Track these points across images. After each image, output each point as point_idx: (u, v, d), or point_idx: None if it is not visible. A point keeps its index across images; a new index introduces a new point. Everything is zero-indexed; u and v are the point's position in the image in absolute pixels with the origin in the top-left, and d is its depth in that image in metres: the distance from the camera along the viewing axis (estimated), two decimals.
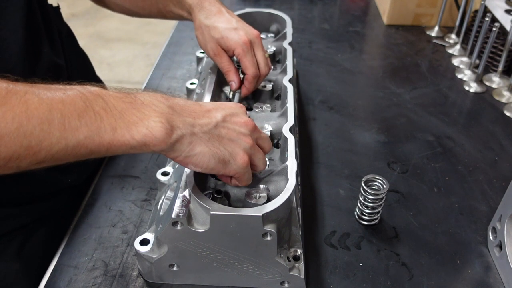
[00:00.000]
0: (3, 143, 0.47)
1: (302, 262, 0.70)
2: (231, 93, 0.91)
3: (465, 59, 1.34)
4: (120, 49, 3.57)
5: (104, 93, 0.55)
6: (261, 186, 0.73)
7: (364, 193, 0.80)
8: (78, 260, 0.76)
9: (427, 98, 1.20)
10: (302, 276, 0.69)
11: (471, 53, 1.33)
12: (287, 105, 0.84)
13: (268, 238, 0.64)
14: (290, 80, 0.91)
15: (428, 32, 1.50)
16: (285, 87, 0.89)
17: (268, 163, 0.78)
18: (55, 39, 0.86)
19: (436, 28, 1.49)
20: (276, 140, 0.84)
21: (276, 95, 0.97)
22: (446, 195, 0.91)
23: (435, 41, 1.46)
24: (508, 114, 1.14)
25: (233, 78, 0.88)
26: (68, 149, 0.51)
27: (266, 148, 0.70)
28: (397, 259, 0.79)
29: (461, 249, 0.81)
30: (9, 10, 0.74)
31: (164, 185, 0.80)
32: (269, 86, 0.96)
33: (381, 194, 0.79)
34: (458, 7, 1.43)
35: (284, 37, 1.05)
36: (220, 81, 0.94)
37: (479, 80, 1.25)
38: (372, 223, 0.84)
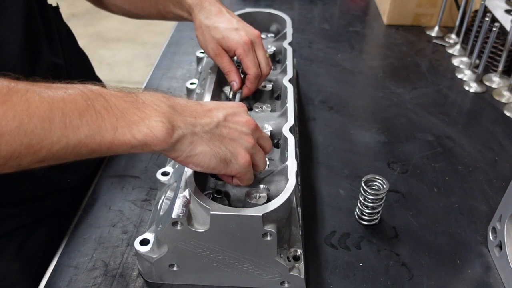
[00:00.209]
0: (4, 141, 0.47)
1: (302, 262, 0.70)
2: (231, 93, 0.91)
3: (465, 59, 1.34)
4: (120, 49, 3.57)
5: (105, 92, 0.55)
6: (261, 186, 0.73)
7: (364, 193, 0.80)
8: (78, 260, 0.76)
9: (427, 98, 1.20)
10: (302, 276, 0.69)
11: (471, 53, 1.33)
12: (287, 105, 0.84)
13: (268, 238, 0.64)
14: (290, 80, 0.91)
15: (428, 32, 1.50)
16: (285, 87, 0.89)
17: (268, 163, 0.78)
18: (55, 39, 0.86)
19: (436, 28, 1.49)
20: (276, 140, 0.84)
21: (276, 95, 0.97)
22: (446, 195, 0.91)
23: (435, 41, 1.46)
24: (508, 114, 1.14)
25: (234, 78, 0.88)
26: (69, 148, 0.51)
27: (267, 148, 0.70)
28: (397, 259, 0.79)
29: (461, 249, 0.81)
30: (8, 10, 0.74)
31: (164, 185, 0.80)
32: (269, 86, 0.96)
33: (381, 194, 0.79)
34: (458, 7, 1.43)
35: (284, 37, 1.05)
36: (220, 81, 0.94)
37: (479, 80, 1.25)
38: (372, 223, 0.84)
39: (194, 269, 0.70)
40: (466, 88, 1.24)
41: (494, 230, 0.79)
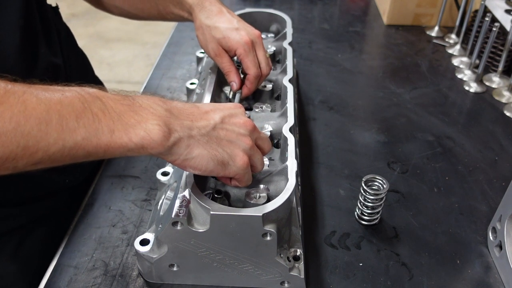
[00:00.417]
0: (0, 142, 0.47)
1: (302, 262, 0.70)
2: (231, 93, 0.91)
3: (465, 59, 1.34)
4: (120, 49, 3.57)
5: (102, 95, 0.55)
6: (261, 186, 0.73)
7: (364, 193, 0.80)
8: (78, 260, 0.76)
9: (427, 98, 1.20)
10: (302, 276, 0.69)
11: (471, 53, 1.33)
12: (287, 105, 0.84)
13: (268, 238, 0.64)
14: (290, 80, 0.91)
15: (428, 32, 1.50)
16: (285, 87, 0.89)
17: (268, 163, 0.78)
18: (54, 39, 0.86)
19: (436, 28, 1.49)
20: (276, 140, 0.84)
21: (276, 95, 0.97)
22: (446, 195, 0.91)
23: (435, 41, 1.46)
24: (508, 114, 1.14)
25: (234, 78, 0.88)
26: (65, 150, 0.51)
27: (266, 148, 0.70)
28: (397, 259, 0.79)
29: (461, 249, 0.81)
30: (7, 11, 0.74)
31: (164, 185, 0.80)
32: (269, 86, 0.96)
33: (381, 194, 0.79)
34: (458, 7, 1.43)
35: (284, 37, 1.05)
36: (220, 81, 0.94)
37: (479, 80, 1.25)
38: (372, 223, 0.84)
39: (194, 269, 0.70)
40: (466, 88, 1.24)
41: (494, 230, 0.79)
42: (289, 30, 1.06)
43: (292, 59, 0.99)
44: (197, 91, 0.99)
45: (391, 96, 1.20)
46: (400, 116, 1.13)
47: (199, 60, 1.09)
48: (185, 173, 0.68)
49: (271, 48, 1.05)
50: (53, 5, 0.92)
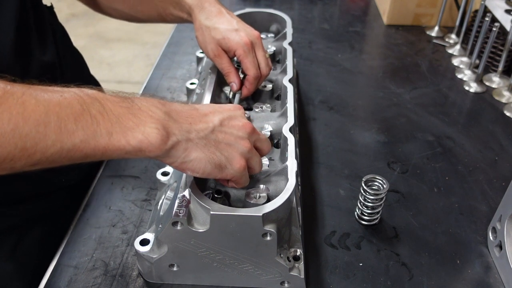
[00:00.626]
0: None
1: (302, 262, 0.70)
2: (231, 93, 0.91)
3: (465, 59, 1.34)
4: (120, 49, 3.57)
5: (101, 96, 0.55)
6: (261, 186, 0.73)
7: (364, 193, 0.80)
8: (78, 260, 0.76)
9: (427, 98, 1.20)
10: (302, 276, 0.69)
11: (471, 53, 1.33)
12: (287, 105, 0.84)
13: (268, 238, 0.64)
14: (290, 80, 0.91)
15: (428, 32, 1.50)
16: (285, 87, 0.89)
17: (268, 163, 0.78)
18: (49, 39, 0.86)
19: (436, 28, 1.49)
20: (276, 140, 0.84)
21: (276, 95, 0.97)
22: (446, 195, 0.91)
23: (435, 41, 1.46)
24: (508, 114, 1.14)
25: (233, 79, 0.88)
26: (63, 152, 0.51)
27: (265, 149, 0.70)
28: (397, 259, 0.79)
29: (461, 249, 0.81)
30: (2, 11, 0.74)
31: (164, 185, 0.80)
32: (269, 86, 0.96)
33: (381, 194, 0.79)
34: (458, 7, 1.43)
35: (284, 37, 1.05)
36: (220, 81, 0.94)
37: (479, 80, 1.25)
38: (372, 223, 0.84)
39: (194, 269, 0.70)
40: (466, 88, 1.24)
41: (494, 230, 0.79)
42: (289, 30, 1.06)
43: (292, 59, 0.99)
44: (197, 91, 0.99)
45: (391, 96, 1.20)
46: (400, 116, 1.13)
47: (199, 60, 1.09)
48: (185, 173, 0.68)
49: (271, 48, 1.05)
50: (48, 4, 0.92)
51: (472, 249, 0.81)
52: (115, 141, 0.53)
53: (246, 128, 0.65)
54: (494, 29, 1.15)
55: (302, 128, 1.07)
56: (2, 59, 0.74)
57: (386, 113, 1.14)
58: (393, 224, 0.85)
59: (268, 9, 1.14)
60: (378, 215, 0.83)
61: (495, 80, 1.25)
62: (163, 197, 0.75)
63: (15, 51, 0.76)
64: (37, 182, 0.85)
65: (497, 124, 1.11)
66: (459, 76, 1.29)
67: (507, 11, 1.26)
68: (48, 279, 0.74)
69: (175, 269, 0.70)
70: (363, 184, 0.80)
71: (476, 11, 1.33)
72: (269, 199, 0.68)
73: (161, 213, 0.72)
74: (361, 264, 0.77)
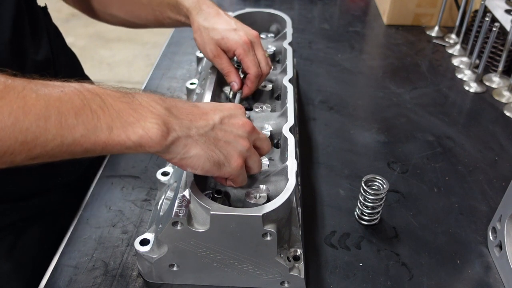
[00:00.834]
0: None
1: (302, 262, 0.70)
2: (231, 93, 0.91)
3: (465, 59, 1.34)
4: (120, 49, 3.57)
5: (101, 91, 0.55)
6: (261, 186, 0.73)
7: (364, 193, 0.80)
8: (78, 260, 0.76)
9: (427, 98, 1.20)
10: (302, 276, 0.69)
11: (471, 53, 1.33)
12: (287, 105, 0.84)
13: (268, 238, 0.64)
14: (290, 80, 0.91)
15: (428, 32, 1.50)
16: (285, 87, 0.89)
17: (268, 163, 0.78)
18: (43, 39, 0.86)
19: (436, 28, 1.49)
20: (276, 140, 0.84)
21: (276, 95, 0.97)
22: (446, 195, 0.91)
23: (435, 41, 1.46)
24: (508, 114, 1.14)
25: (234, 79, 0.88)
26: (64, 147, 0.51)
27: (265, 149, 0.70)
28: (397, 259, 0.79)
29: (461, 249, 0.81)
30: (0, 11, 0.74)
31: (164, 185, 0.80)
32: (269, 86, 0.96)
33: (381, 194, 0.79)
34: (458, 7, 1.44)
35: (284, 37, 1.05)
36: (220, 81, 0.94)
37: (479, 80, 1.25)
38: (372, 223, 0.84)
39: (194, 269, 0.70)
40: (466, 88, 1.24)
41: (494, 230, 0.79)
42: (289, 30, 1.06)
43: (292, 59, 0.99)
44: (197, 91, 0.99)
45: (391, 96, 1.20)
46: (400, 116, 1.13)
47: (199, 60, 1.09)
48: (185, 173, 0.68)
49: (271, 48, 1.05)
50: (42, 5, 0.92)
51: (472, 249, 0.81)
52: (115, 136, 0.53)
53: (245, 127, 0.65)
54: (494, 29, 1.15)
55: (302, 128, 1.07)
56: None
57: (386, 113, 1.14)
58: (393, 224, 0.85)
59: (268, 9, 1.14)
60: (378, 215, 0.83)
61: (495, 80, 1.25)
62: (163, 197, 0.75)
63: (11, 51, 0.76)
64: (34, 180, 0.85)
65: (497, 124, 1.11)
66: (459, 76, 1.29)
67: (507, 11, 1.26)
68: (48, 279, 0.74)
69: (175, 269, 0.70)
70: (363, 184, 0.80)
71: (476, 11, 1.33)
72: (269, 199, 0.68)
73: (161, 213, 0.72)
74: (361, 264, 0.77)
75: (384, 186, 0.79)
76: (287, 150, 0.74)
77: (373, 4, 1.69)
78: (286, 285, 0.71)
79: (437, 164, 0.99)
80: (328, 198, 0.90)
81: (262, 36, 1.11)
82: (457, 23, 1.44)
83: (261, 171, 0.72)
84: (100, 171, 0.94)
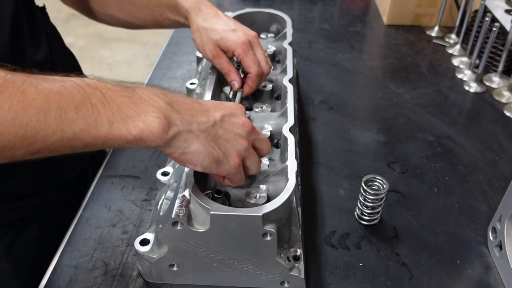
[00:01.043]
0: None
1: (302, 262, 0.70)
2: (231, 93, 0.91)
3: (465, 59, 1.34)
4: (120, 49, 3.57)
5: (102, 86, 0.55)
6: (261, 186, 0.73)
7: (364, 193, 0.80)
8: (78, 260, 0.76)
9: (427, 98, 1.20)
10: (302, 276, 0.69)
11: (471, 53, 1.33)
12: (287, 105, 0.84)
13: (268, 238, 0.64)
14: (290, 80, 0.91)
15: (428, 32, 1.50)
16: (285, 87, 0.89)
17: (268, 163, 0.78)
18: (42, 39, 0.86)
19: (436, 28, 1.49)
20: (276, 140, 0.84)
21: (276, 95, 0.97)
22: (446, 195, 0.91)
23: (435, 41, 1.46)
24: (508, 114, 1.14)
25: (234, 77, 0.88)
26: (64, 141, 0.51)
27: (265, 149, 0.70)
28: (397, 259, 0.79)
29: (461, 249, 0.81)
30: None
31: (164, 185, 0.80)
32: (269, 86, 0.96)
33: (381, 194, 0.79)
34: (458, 7, 1.44)
35: (284, 37, 1.05)
36: (220, 81, 0.94)
37: (479, 80, 1.25)
38: (372, 223, 0.84)
39: (194, 269, 0.70)
40: (466, 88, 1.24)
41: (494, 230, 0.79)
42: (289, 30, 1.06)
43: (292, 59, 0.99)
44: (197, 91, 0.99)
45: (391, 96, 1.20)
46: (400, 116, 1.13)
47: (199, 60, 1.09)
48: (185, 173, 0.68)
49: (271, 48, 1.05)
50: (41, 5, 0.92)
51: (472, 249, 0.81)
52: (116, 130, 0.53)
53: (245, 127, 0.65)
54: (494, 29, 1.15)
55: (302, 128, 1.07)
56: None
57: (386, 113, 1.14)
58: (393, 224, 0.85)
59: (268, 9, 1.14)
60: (378, 215, 0.83)
61: (495, 80, 1.25)
62: (163, 197, 0.75)
63: (10, 51, 0.76)
64: (33, 179, 0.85)
65: (497, 124, 1.11)
66: (459, 76, 1.29)
67: (507, 11, 1.26)
68: (48, 279, 0.74)
69: (175, 269, 0.70)
70: (363, 184, 0.80)
71: (476, 11, 1.33)
72: (269, 199, 0.68)
73: (161, 213, 0.72)
74: (361, 264, 0.77)
75: (384, 186, 0.79)
76: (287, 150, 0.74)
77: (373, 4, 1.69)
78: (286, 285, 0.71)
79: (437, 164, 0.99)
80: (328, 198, 0.90)
81: (262, 36, 1.11)
82: (457, 23, 1.44)
83: (260, 171, 0.72)
84: (100, 171, 0.94)
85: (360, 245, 0.81)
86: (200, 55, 1.08)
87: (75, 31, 3.63)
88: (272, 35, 1.13)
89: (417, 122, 1.11)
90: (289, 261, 0.68)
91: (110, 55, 3.49)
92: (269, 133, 0.83)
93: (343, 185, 0.93)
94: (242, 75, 0.90)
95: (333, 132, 1.07)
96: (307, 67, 1.31)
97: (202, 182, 0.72)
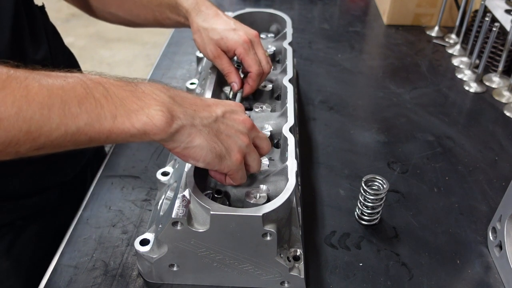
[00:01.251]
0: (3, 127, 0.47)
1: (302, 262, 0.70)
2: (232, 93, 0.91)
3: (465, 59, 1.34)
4: (120, 49, 3.57)
5: (104, 81, 0.55)
6: (261, 186, 0.73)
7: (364, 193, 0.80)
8: (78, 260, 0.76)
9: (427, 98, 1.20)
10: (302, 276, 0.69)
11: (471, 53, 1.33)
12: (287, 105, 0.84)
13: (268, 238, 0.64)
14: (290, 80, 0.91)
15: (428, 32, 1.50)
16: (285, 87, 0.89)
17: (268, 163, 0.78)
18: (41, 38, 0.86)
19: (436, 28, 1.49)
20: (276, 140, 0.84)
21: (276, 95, 0.97)
22: (446, 195, 0.91)
23: (435, 41, 1.46)
24: (508, 114, 1.14)
25: (234, 79, 0.88)
26: (68, 136, 0.51)
27: (265, 148, 0.70)
28: (397, 259, 0.79)
29: (461, 249, 0.81)
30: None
31: (164, 185, 0.80)
32: (269, 86, 0.96)
33: (381, 194, 0.79)
34: (458, 7, 1.44)
35: (284, 37, 1.05)
36: (220, 81, 0.94)
37: (479, 80, 1.25)
38: (372, 223, 0.84)
39: (194, 269, 0.70)
40: (466, 88, 1.24)
41: (494, 230, 0.79)
42: (289, 30, 1.06)
43: (292, 59, 0.99)
44: (197, 91, 0.99)
45: (391, 96, 1.20)
46: (400, 116, 1.13)
47: (199, 60, 1.09)
48: (185, 173, 0.68)
49: (271, 48, 1.05)
50: (40, 4, 0.92)
51: (472, 249, 0.81)
52: (119, 124, 0.53)
53: (246, 123, 0.65)
54: (494, 29, 1.15)
55: (302, 128, 1.07)
56: None
57: (386, 113, 1.14)
58: (393, 224, 0.85)
59: (268, 9, 1.14)
60: (378, 215, 0.83)
61: (495, 80, 1.25)
62: (163, 197, 0.75)
63: (11, 51, 0.76)
64: (33, 178, 0.85)
65: (497, 124, 1.11)
66: (459, 76, 1.29)
67: (507, 11, 1.26)
68: (48, 279, 0.74)
69: (175, 269, 0.70)
70: (363, 184, 0.80)
71: (476, 11, 1.33)
72: (269, 199, 0.69)
73: (161, 213, 0.72)
74: (361, 264, 0.77)
75: (384, 186, 0.79)
76: (287, 150, 0.74)
77: (373, 4, 1.69)
78: (286, 285, 0.71)
79: (437, 164, 0.99)
80: (328, 198, 0.90)
81: (262, 36, 1.11)
82: (457, 23, 1.44)
83: (261, 171, 0.72)
84: (100, 171, 0.94)
85: (360, 245, 0.81)
86: (200, 55, 1.08)
87: (75, 31, 3.63)
88: (272, 35, 1.13)
89: (417, 122, 1.11)
90: (289, 261, 0.69)
91: (110, 55, 3.49)
92: (269, 133, 0.83)
93: (343, 185, 0.93)
94: (242, 75, 0.90)
95: (333, 132, 1.07)
96: (307, 67, 1.31)
97: (202, 182, 0.72)
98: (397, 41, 1.46)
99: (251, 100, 0.95)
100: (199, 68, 1.08)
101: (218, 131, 0.62)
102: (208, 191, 0.70)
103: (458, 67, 1.33)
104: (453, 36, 1.46)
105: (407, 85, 1.25)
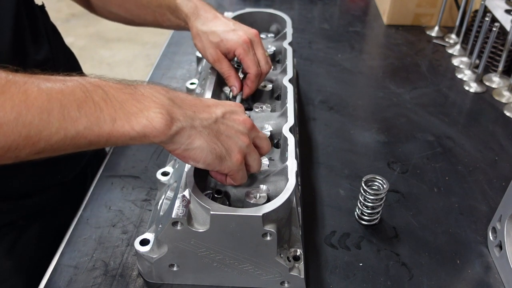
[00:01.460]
0: (2, 132, 0.47)
1: (302, 262, 0.70)
2: (231, 93, 0.91)
3: (465, 59, 1.34)
4: (120, 49, 3.57)
5: (104, 84, 0.55)
6: (261, 186, 0.73)
7: (364, 193, 0.80)
8: (78, 260, 0.76)
9: (427, 98, 1.20)
10: (302, 276, 0.69)
11: (471, 53, 1.33)
12: (287, 105, 0.84)
13: (268, 238, 0.64)
14: (290, 80, 0.91)
15: (428, 32, 1.50)
16: (285, 87, 0.89)
17: (268, 163, 0.78)
18: (42, 38, 0.86)
19: (436, 28, 1.49)
20: (276, 140, 0.84)
21: (276, 95, 0.97)
22: (446, 195, 0.91)
23: (435, 41, 1.46)
24: (508, 114, 1.14)
25: (234, 83, 0.88)
26: (67, 140, 0.51)
27: (265, 148, 0.70)
28: (397, 259, 0.79)
29: (461, 249, 0.81)
30: (0, 12, 0.75)
31: (164, 185, 0.80)
32: (269, 86, 0.96)
33: (381, 194, 0.79)
34: (458, 7, 1.43)
35: (284, 37, 1.05)
36: (220, 81, 0.94)
37: (479, 80, 1.25)
38: (372, 223, 0.84)
39: (194, 269, 0.70)
40: (466, 88, 1.24)
41: (494, 230, 0.79)
42: (289, 30, 1.06)
43: (292, 59, 0.99)
44: (197, 91, 0.99)
45: (391, 96, 1.20)
46: (400, 116, 1.13)
47: (199, 60, 1.09)
48: (185, 173, 0.68)
49: (271, 48, 1.05)
50: (40, 4, 0.92)
51: (472, 249, 0.81)
52: (119, 127, 0.53)
53: (246, 124, 0.65)
54: (494, 29, 1.15)
55: (302, 128, 1.07)
56: (0, 59, 0.74)
57: (386, 113, 1.14)
58: (393, 224, 0.85)
59: (268, 9, 1.14)
60: (378, 215, 0.83)
61: (495, 80, 1.25)
62: (163, 197, 0.75)
63: (12, 51, 0.76)
64: (34, 178, 0.85)
65: (497, 124, 1.11)
66: (459, 76, 1.29)
67: (507, 11, 1.26)
68: (48, 279, 0.74)
69: (175, 269, 0.70)
70: (363, 184, 0.80)
71: (476, 11, 1.33)
72: (269, 199, 0.68)
73: (161, 213, 0.72)
74: (361, 264, 0.77)
75: (384, 186, 0.79)
76: (287, 150, 0.74)
77: (373, 4, 1.69)
78: (286, 285, 0.71)
79: (437, 164, 0.99)
80: (328, 198, 0.90)
81: (262, 36, 1.11)
82: (457, 23, 1.44)
83: (261, 170, 0.72)
84: (100, 171, 0.94)
85: (360, 245, 0.81)
86: (200, 55, 1.08)
87: (75, 31, 3.63)
88: (272, 35, 1.13)
89: (417, 122, 1.11)
90: (289, 261, 0.68)
91: (110, 55, 3.49)
92: (269, 133, 0.83)
93: (343, 185, 0.93)
94: (242, 75, 0.90)
95: (333, 132, 1.07)
96: (307, 67, 1.31)
97: (202, 182, 0.72)
98: (397, 41, 1.46)
99: (250, 100, 0.95)
100: (199, 68, 1.08)
101: (218, 132, 0.62)
102: (208, 191, 0.70)
103: (458, 67, 1.33)
104: (453, 36, 1.46)
105: (407, 85, 1.25)
